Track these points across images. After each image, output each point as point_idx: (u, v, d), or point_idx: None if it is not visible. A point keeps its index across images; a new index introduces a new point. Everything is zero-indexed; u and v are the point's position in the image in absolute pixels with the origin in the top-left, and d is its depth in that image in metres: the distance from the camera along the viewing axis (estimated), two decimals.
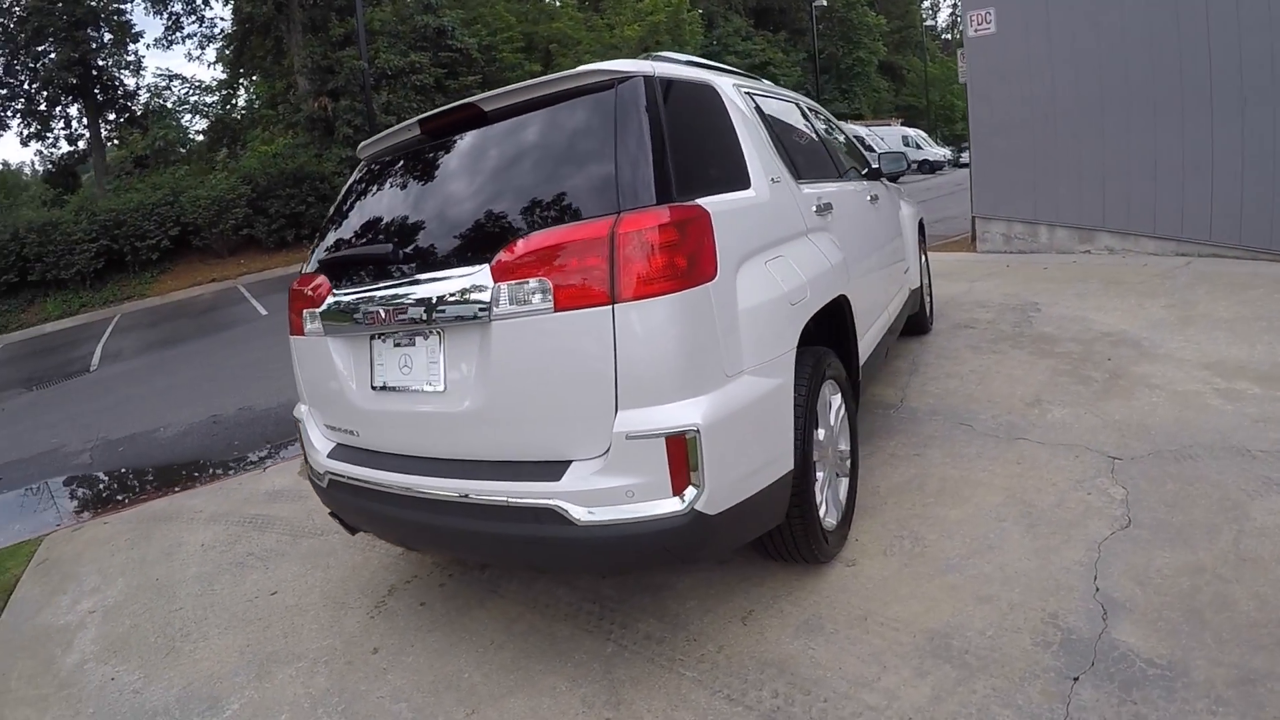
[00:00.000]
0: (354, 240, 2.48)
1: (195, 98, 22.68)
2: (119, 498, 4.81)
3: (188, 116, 22.30)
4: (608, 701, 2.07)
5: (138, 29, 24.32)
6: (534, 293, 1.91)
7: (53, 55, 21.81)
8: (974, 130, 7.77)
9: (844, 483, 2.72)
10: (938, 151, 27.28)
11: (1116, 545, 2.36)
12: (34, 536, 4.09)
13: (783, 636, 2.21)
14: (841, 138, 4.27)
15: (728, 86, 2.64)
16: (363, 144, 2.75)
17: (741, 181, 2.36)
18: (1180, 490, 2.63)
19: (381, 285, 2.28)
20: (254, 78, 22.61)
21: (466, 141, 2.36)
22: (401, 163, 2.53)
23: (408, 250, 2.26)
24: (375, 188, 2.58)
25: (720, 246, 2.01)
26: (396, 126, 2.57)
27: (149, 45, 25.16)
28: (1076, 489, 2.75)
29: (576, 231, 1.90)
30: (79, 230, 16.75)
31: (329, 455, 2.50)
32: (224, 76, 24.42)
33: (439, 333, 2.15)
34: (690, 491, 1.84)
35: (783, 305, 2.22)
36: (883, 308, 3.59)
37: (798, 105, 3.53)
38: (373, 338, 2.34)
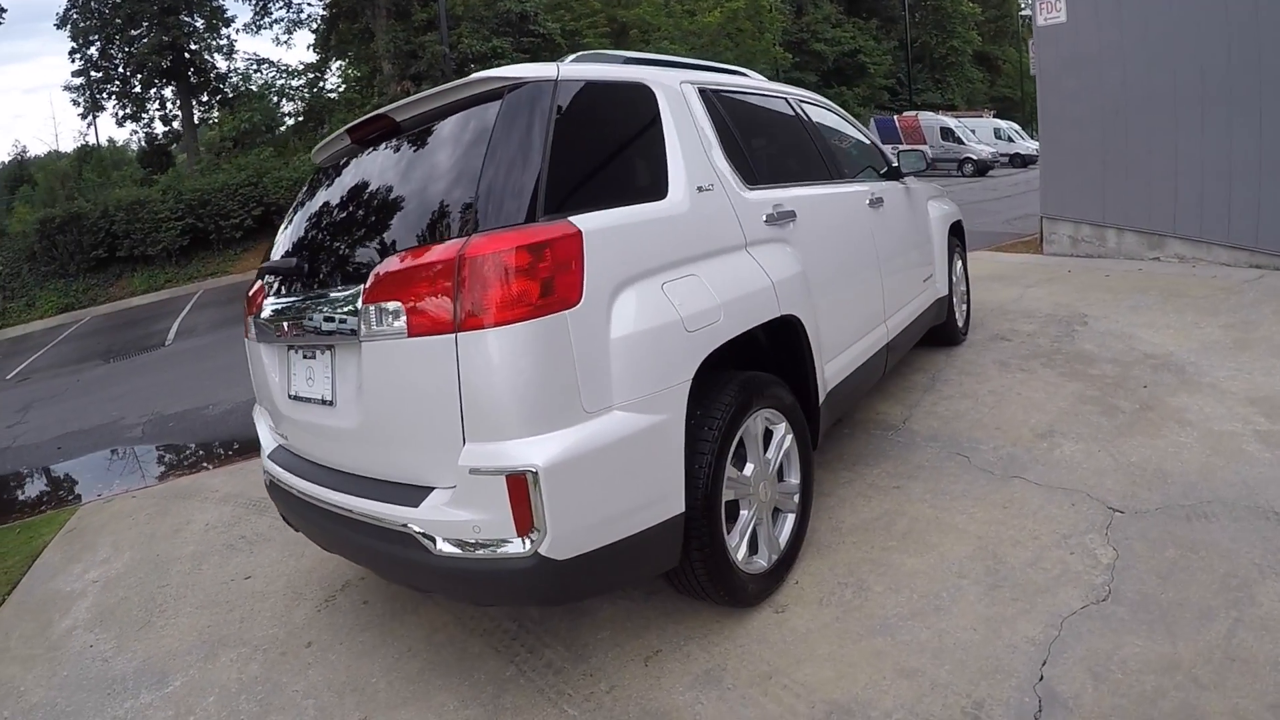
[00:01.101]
0: (285, 250, 2.39)
1: (281, 81, 23.07)
2: (153, 473, 4.96)
3: (275, 99, 22.73)
4: None
5: (230, 14, 25.55)
6: (394, 316, 1.77)
7: (146, 40, 22.02)
8: (1042, 125, 6.95)
9: (789, 520, 2.42)
10: (1030, 145, 25.22)
11: (1084, 623, 1.96)
12: (72, 505, 4.28)
13: (678, 685, 1.97)
14: (853, 136, 3.85)
15: (670, 86, 2.34)
16: (314, 149, 2.65)
17: (655, 192, 2.09)
18: (1180, 559, 2.17)
19: (291, 298, 2.24)
20: (342, 62, 22.91)
21: (379, 152, 2.21)
22: (332, 172, 2.41)
23: (312, 264, 2.19)
24: (310, 197, 2.46)
25: (592, 270, 1.77)
26: (335, 134, 2.44)
27: (238, 31, 26.62)
28: (1059, 546, 2.33)
29: (429, 254, 1.74)
30: (165, 209, 16.71)
31: (269, 456, 2.48)
32: (312, 60, 24.89)
33: (330, 349, 2.08)
34: (535, 534, 1.65)
35: (674, 333, 1.91)
36: (875, 324, 3.19)
37: (787, 101, 3.14)
38: (289, 348, 2.27)
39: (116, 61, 23.29)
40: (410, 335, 1.75)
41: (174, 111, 24.28)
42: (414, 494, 1.81)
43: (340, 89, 22.16)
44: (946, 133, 23.71)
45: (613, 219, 1.90)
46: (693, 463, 1.98)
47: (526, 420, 1.66)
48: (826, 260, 2.76)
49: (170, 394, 7.41)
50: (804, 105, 3.26)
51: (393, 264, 1.82)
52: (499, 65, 17.67)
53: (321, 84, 22.12)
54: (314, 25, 22.98)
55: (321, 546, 2.40)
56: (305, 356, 2.19)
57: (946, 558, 2.36)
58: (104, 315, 15.45)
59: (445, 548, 1.74)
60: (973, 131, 23.96)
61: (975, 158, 22.71)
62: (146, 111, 24.34)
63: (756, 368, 2.52)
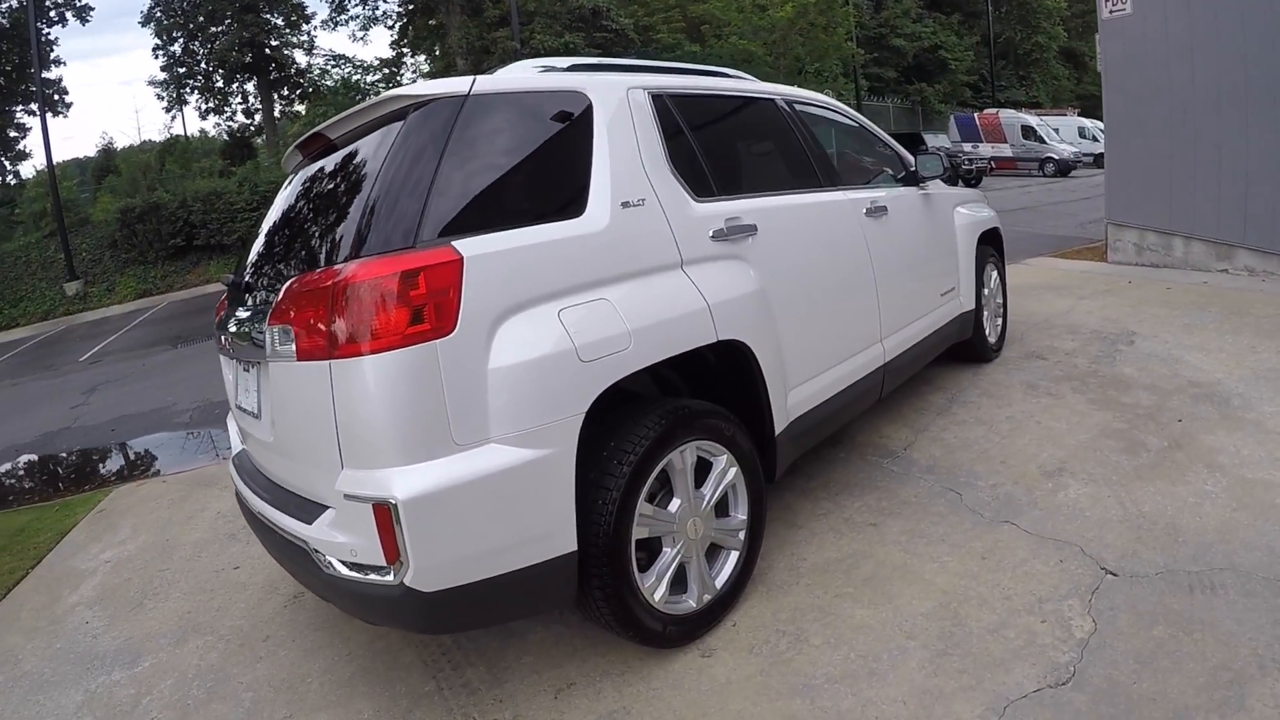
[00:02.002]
0: (244, 264, 2.38)
1: (357, 77, 22.94)
2: (187, 459, 5.05)
3: (351, 95, 22.91)
4: None
5: (309, 10, 24.94)
6: (287, 338, 1.72)
7: (226, 36, 22.23)
8: (1108, 125, 6.21)
9: (731, 558, 2.20)
10: None
11: (1031, 711, 1.65)
12: (109, 487, 4.42)
13: None
14: (867, 139, 3.51)
15: (613, 94, 2.14)
16: (284, 158, 2.62)
17: (570, 210, 1.91)
18: (1169, 640, 1.81)
19: (234, 313, 2.23)
20: (418, 57, 23.11)
21: (314, 169, 2.15)
22: (285, 186, 2.37)
23: (247, 281, 2.17)
24: (268, 211, 2.44)
25: (472, 297, 1.65)
26: (291, 147, 2.40)
27: (315, 28, 27.32)
28: (1032, 611, 2.00)
29: (315, 279, 1.68)
30: (241, 200, 16.61)
31: (232, 460, 2.49)
32: (387, 56, 24.78)
33: (258, 364, 2.04)
34: (399, 565, 1.59)
35: (564, 364, 1.73)
36: (867, 344, 2.87)
37: (774, 103, 2.84)
38: (236, 360, 2.26)
39: (199, 57, 23.72)
40: (298, 359, 1.71)
41: (255, 105, 24.83)
42: (313, 511, 1.78)
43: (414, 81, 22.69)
44: (1028, 131, 22.07)
45: (507, 242, 1.75)
46: (594, 498, 1.81)
47: (393, 450, 1.59)
48: (797, 277, 2.49)
49: (223, 381, 7.75)
50: (797, 107, 2.96)
51: (291, 287, 1.77)
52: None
53: (398, 79, 22.34)
54: (389, 22, 23.27)
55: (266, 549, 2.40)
56: (244, 369, 2.18)
57: (901, 612, 2.08)
58: (180, 301, 15.88)
59: (335, 566, 1.70)
60: (1055, 130, 22.17)
61: (1057, 157, 21.07)
62: (229, 105, 24.85)
63: (711, 393, 2.32)
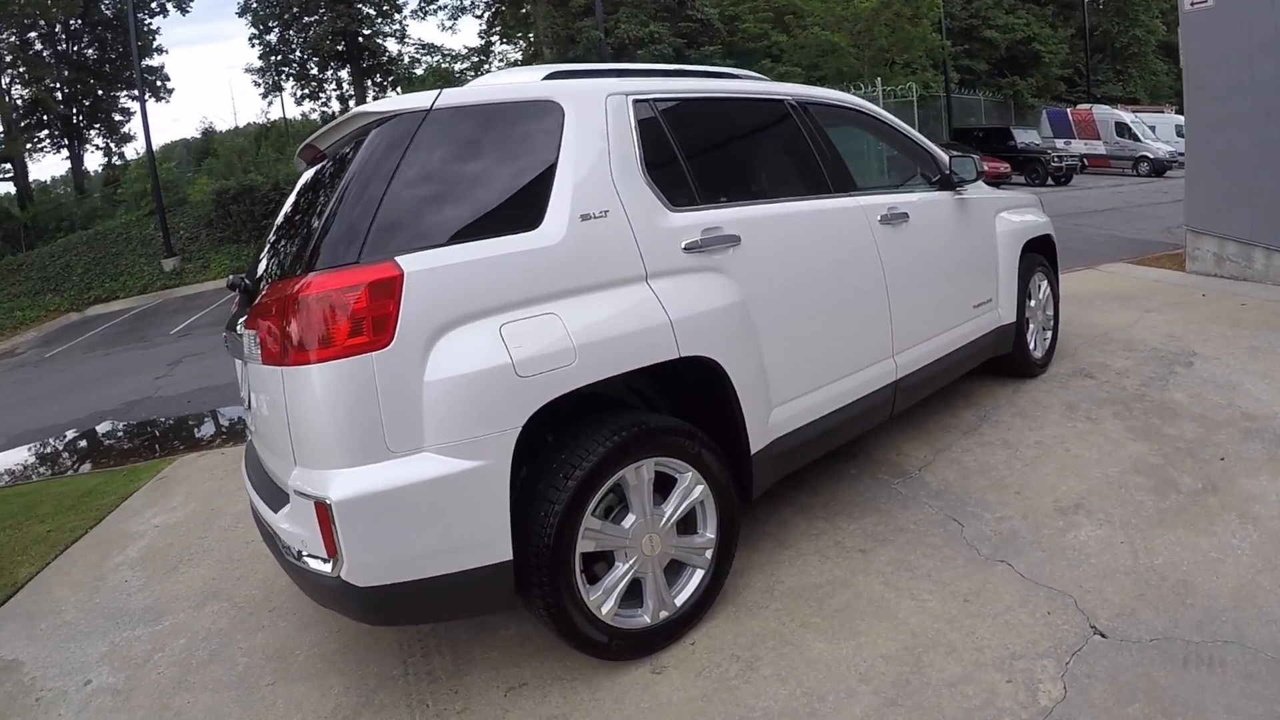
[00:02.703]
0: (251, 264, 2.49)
1: (445, 66, 23.06)
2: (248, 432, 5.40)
3: (440, 84, 23.49)
4: (345, 718, 1.94)
5: (401, 1, 24.83)
6: (258, 342, 1.83)
7: (320, 26, 22.38)
8: (1189, 124, 5.49)
9: (696, 576, 2.13)
10: None
11: None
12: (174, 456, 4.63)
13: None
14: (897, 140, 3.24)
15: (589, 102, 2.07)
16: (294, 162, 2.70)
17: (526, 222, 1.87)
18: None
19: (237, 312, 2.34)
20: (505, 46, 23.02)
21: (308, 178, 2.19)
22: (291, 191, 2.43)
23: (246, 283, 2.26)
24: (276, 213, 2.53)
25: (411, 310, 1.68)
26: (298, 151, 2.45)
27: (406, 18, 27.33)
28: (999, 667, 1.83)
29: (277, 290, 1.77)
30: None
31: (246, 446, 2.61)
32: (475, 45, 25.00)
33: (246, 362, 2.15)
34: (336, 560, 1.66)
35: (500, 378, 1.72)
36: (875, 359, 2.68)
37: (785, 105, 2.66)
38: (234, 355, 2.37)
39: (294, 46, 24.02)
40: (263, 362, 1.81)
41: (349, 92, 24.78)
42: (280, 500, 1.87)
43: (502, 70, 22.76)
44: (1121, 128, 20.16)
45: (451, 257, 1.76)
46: (537, 509, 1.80)
47: (332, 453, 1.67)
48: (788, 290, 2.35)
49: None
50: (811, 109, 2.76)
51: (264, 295, 1.84)
52: (656, 50, 16.71)
53: (486, 68, 22.48)
54: (478, 11, 23.38)
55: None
56: (241, 364, 2.29)
57: (862, 651, 1.96)
58: None
59: (293, 551, 1.80)
60: (1151, 128, 20.07)
61: (1151, 156, 19.19)
62: (324, 91, 25.10)
63: (693, 408, 2.24)
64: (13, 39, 21.72)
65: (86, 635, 2.49)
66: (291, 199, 2.27)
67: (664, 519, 2.03)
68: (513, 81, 2.19)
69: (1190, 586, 2.03)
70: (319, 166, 2.10)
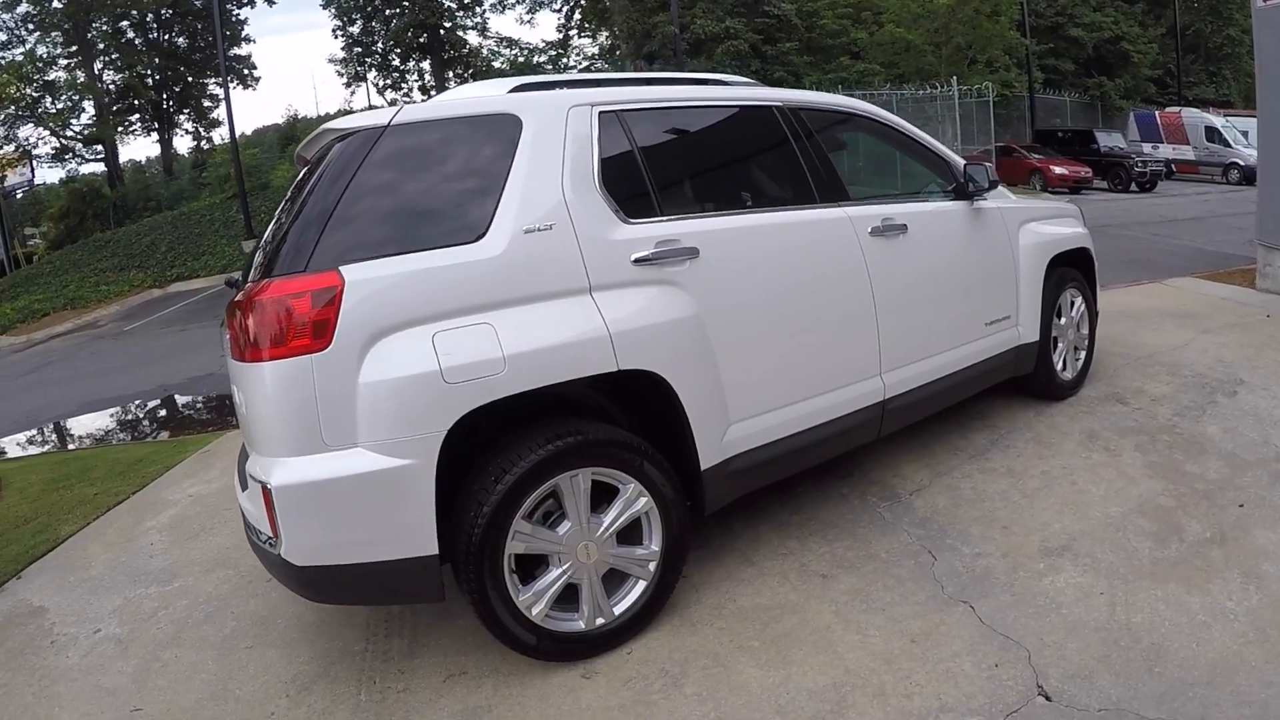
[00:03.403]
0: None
1: (522, 60, 22.76)
2: None
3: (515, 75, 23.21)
4: (302, 687, 2.02)
5: None
6: (229, 339, 1.93)
7: (402, 18, 22.03)
8: (1261, 130, 4.79)
9: (638, 587, 2.08)
10: None
11: None
12: (223, 431, 4.64)
13: (444, 711, 1.87)
14: (910, 147, 2.99)
15: (549, 114, 2.03)
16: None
17: (468, 235, 1.86)
18: None
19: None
20: (581, 40, 22.80)
21: (293, 187, 2.24)
22: None
23: (240, 284, 2.33)
24: None
25: (349, 317, 1.73)
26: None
27: (485, 11, 25.19)
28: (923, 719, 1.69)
29: (243, 293, 1.85)
30: None
31: None
32: (554, 39, 24.30)
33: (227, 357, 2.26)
34: (278, 539, 1.75)
35: (427, 384, 1.74)
36: (858, 378, 2.50)
37: (773, 112, 2.50)
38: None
39: (376, 38, 23.69)
40: (231, 357, 1.92)
41: (430, 83, 24.16)
42: (246, 482, 1.96)
43: (580, 67, 22.54)
44: (1211, 133, 17.98)
45: (392, 267, 1.79)
46: (468, 509, 1.82)
47: (276, 443, 1.76)
48: (752, 304, 2.23)
49: None
50: (804, 116, 2.57)
51: (237, 296, 1.92)
52: (732, 46, 16.30)
53: (564, 62, 22.32)
54: (555, 5, 23.08)
55: None
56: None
57: (789, 682, 1.85)
58: None
59: (254, 530, 1.91)
60: (1244, 134, 17.66)
61: (1241, 163, 16.93)
62: (406, 82, 24.61)
63: (646, 421, 2.18)
64: (106, 27, 21.91)
65: (106, 590, 2.69)
66: (281, 205, 2.34)
67: (602, 528, 1.99)
68: (476, 95, 2.17)
69: (1163, 652, 1.79)
70: (301, 175, 2.16)
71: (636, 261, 2.04)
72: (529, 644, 1.93)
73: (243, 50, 24.82)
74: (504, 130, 2.00)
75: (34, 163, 21.85)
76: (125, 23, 22.37)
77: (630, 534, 2.08)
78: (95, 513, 3.41)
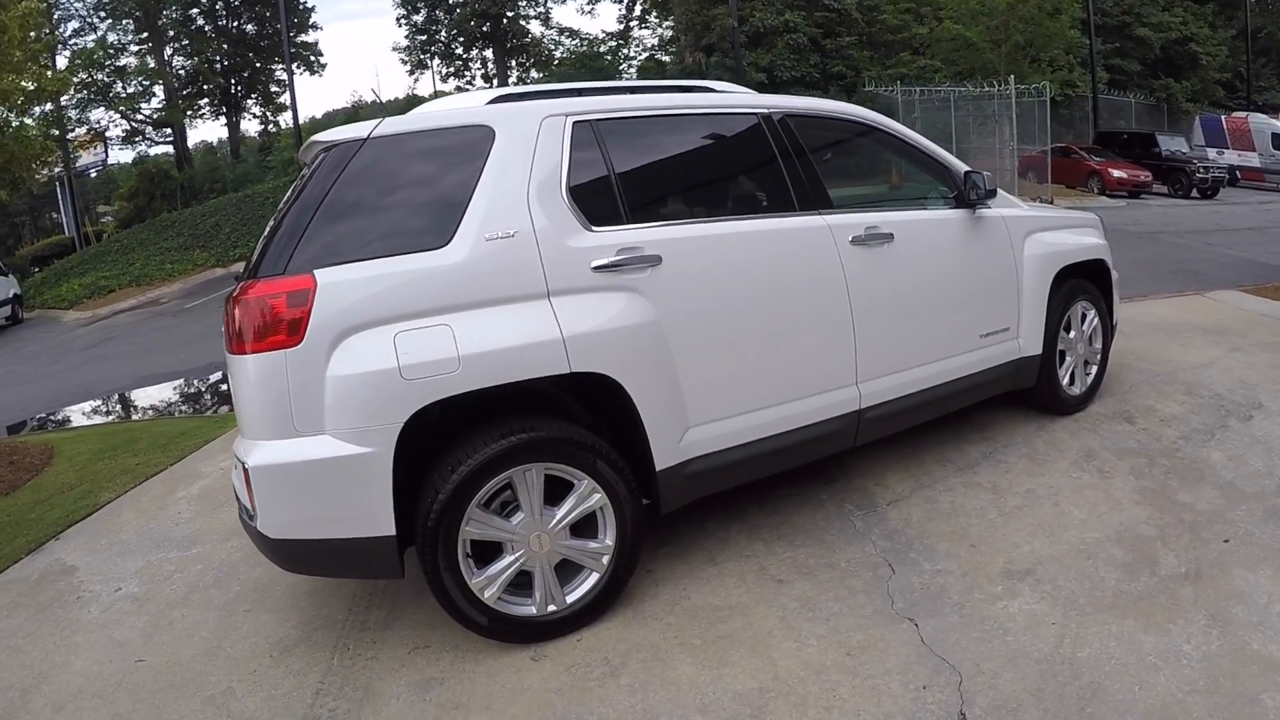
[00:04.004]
0: None
1: (582, 50, 22.27)
2: None
3: (578, 68, 21.18)
4: (285, 649, 2.13)
5: None
6: (225, 333, 2.04)
7: (466, 8, 21.72)
8: None
9: (591, 578, 2.11)
10: None
11: None
12: None
13: (400, 680, 1.96)
14: (909, 154, 2.84)
15: (521, 125, 2.05)
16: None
17: (435, 242, 1.92)
18: None
19: None
20: (642, 31, 22.17)
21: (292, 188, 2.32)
22: None
23: None
24: None
25: (320, 317, 1.82)
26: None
27: (547, 2, 24.53)
28: None
29: (236, 292, 1.94)
30: None
31: None
32: (614, 30, 23.84)
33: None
34: (255, 514, 1.88)
35: (386, 380, 1.82)
36: (832, 386, 2.43)
37: (756, 121, 2.43)
38: None
39: (440, 26, 23.30)
40: (225, 349, 2.03)
41: (493, 71, 23.85)
42: (236, 463, 2.08)
43: (641, 58, 22.17)
44: (1278, 140, 16.22)
45: (361, 271, 1.86)
46: (426, 495, 1.90)
47: (256, 427, 1.88)
48: (715, 311, 2.20)
49: None
50: (792, 124, 2.48)
51: (232, 292, 2.02)
52: (791, 39, 15.67)
53: (624, 53, 21.97)
54: None
55: None
56: None
57: (719, 683, 1.84)
58: None
59: (240, 505, 2.04)
60: None
61: None
62: (469, 70, 24.23)
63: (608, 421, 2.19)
64: (175, 14, 21.81)
65: (132, 553, 2.84)
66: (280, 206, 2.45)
67: (555, 520, 2.02)
68: (455, 107, 2.20)
69: (1101, 692, 1.69)
70: (296, 180, 2.24)
71: (596, 268, 2.03)
72: (480, 624, 2.00)
73: (310, 37, 24.62)
74: (477, 141, 2.03)
75: (107, 143, 21.98)
76: (195, 10, 22.38)
77: (586, 527, 2.11)
78: (134, 482, 3.58)
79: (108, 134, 21.73)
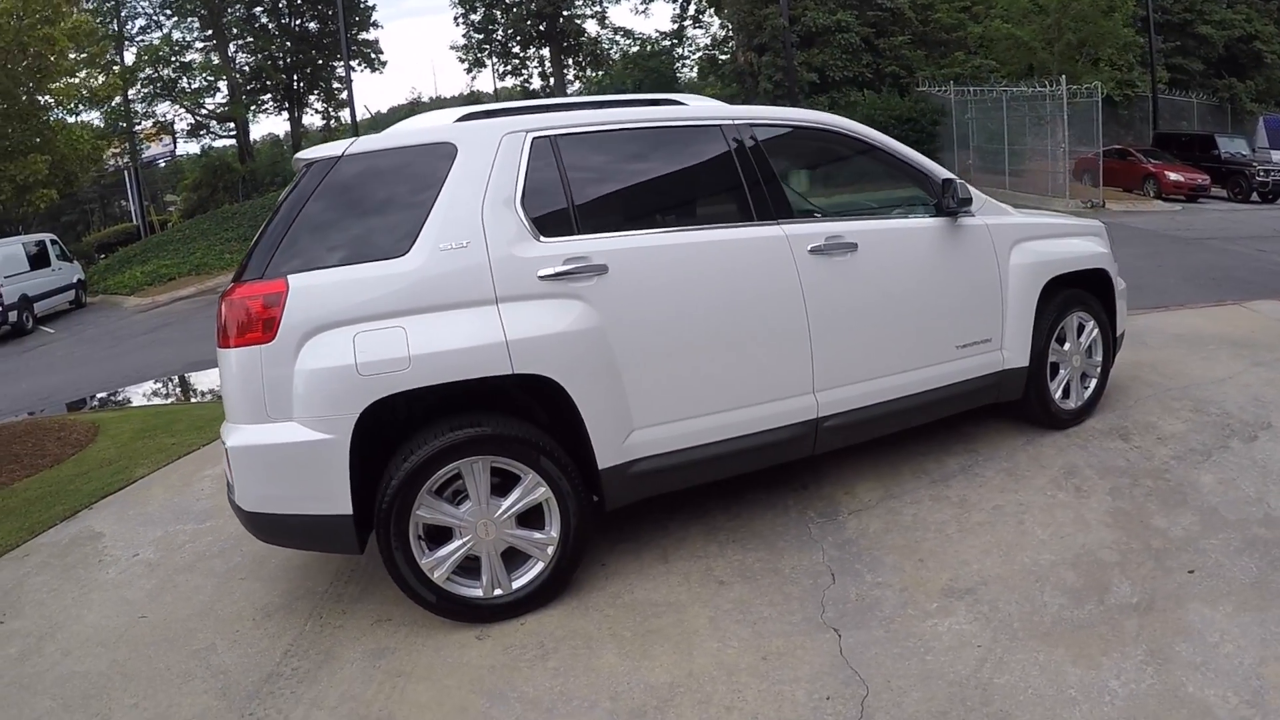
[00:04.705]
0: None
1: (635, 49, 21.59)
2: None
3: (631, 68, 20.53)
4: (266, 614, 2.27)
5: None
6: (216, 328, 2.16)
7: (523, 7, 20.99)
8: None
9: (536, 567, 2.14)
10: None
11: None
12: None
13: (357, 648, 2.06)
14: (887, 161, 2.68)
15: (483, 142, 2.10)
16: None
17: (396, 251, 2.00)
18: None
19: None
20: (695, 30, 21.30)
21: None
22: None
23: None
24: None
25: (291, 317, 1.93)
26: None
27: (604, 1, 23.35)
28: None
29: (223, 293, 2.07)
30: None
31: None
32: (668, 29, 22.90)
33: None
34: (234, 489, 2.03)
35: (345, 375, 1.91)
36: (788, 394, 2.35)
37: (719, 132, 2.37)
38: None
39: (497, 25, 22.41)
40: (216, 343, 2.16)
41: (550, 70, 23.04)
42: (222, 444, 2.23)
43: (695, 57, 21.47)
44: None
45: (328, 278, 1.97)
46: (383, 479, 1.99)
47: (234, 413, 2.04)
48: (660, 318, 2.18)
49: None
50: (758, 134, 2.41)
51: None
52: (843, 39, 14.88)
53: (678, 51, 21.32)
54: None
55: None
56: None
57: (636, 674, 1.84)
58: None
59: (226, 482, 2.18)
60: None
61: None
62: (526, 69, 23.34)
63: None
64: (240, 12, 21.38)
65: (154, 524, 2.99)
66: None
67: (501, 510, 2.07)
68: (424, 126, 2.26)
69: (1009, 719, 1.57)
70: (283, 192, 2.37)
71: (543, 277, 2.06)
72: (429, 601, 2.08)
73: (371, 35, 23.96)
74: (441, 157, 2.09)
75: (175, 135, 21.72)
76: (258, 8, 21.89)
77: (533, 519, 2.14)
78: (168, 460, 3.72)
79: (174, 127, 21.68)
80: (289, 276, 1.96)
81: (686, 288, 2.22)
